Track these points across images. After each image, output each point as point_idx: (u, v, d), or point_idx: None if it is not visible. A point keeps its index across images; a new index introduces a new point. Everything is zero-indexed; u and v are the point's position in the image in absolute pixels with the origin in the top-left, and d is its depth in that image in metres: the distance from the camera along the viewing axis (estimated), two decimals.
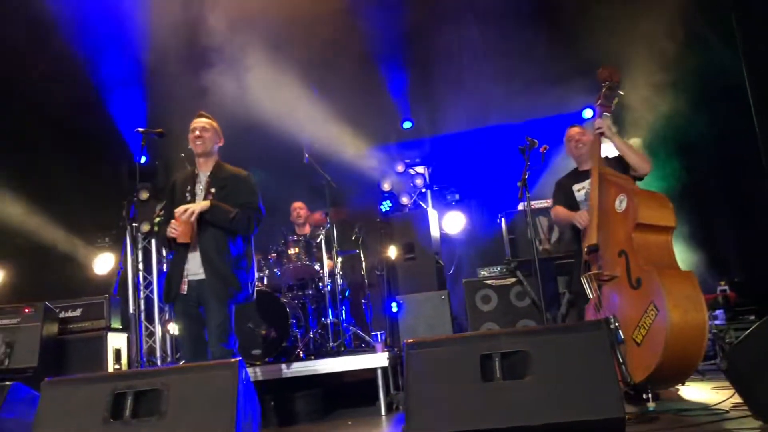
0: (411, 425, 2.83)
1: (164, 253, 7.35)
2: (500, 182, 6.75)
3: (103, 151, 7.41)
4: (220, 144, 4.16)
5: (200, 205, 3.84)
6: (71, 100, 6.86)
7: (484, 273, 6.01)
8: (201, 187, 4.02)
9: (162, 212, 4.10)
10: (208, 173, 4.07)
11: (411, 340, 3.04)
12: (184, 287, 3.91)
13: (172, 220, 3.81)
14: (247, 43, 6.34)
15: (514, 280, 5.80)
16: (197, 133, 4.03)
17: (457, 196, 7.07)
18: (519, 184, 4.29)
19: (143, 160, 7.24)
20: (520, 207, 5.82)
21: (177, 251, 3.97)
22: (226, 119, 5.92)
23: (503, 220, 5.88)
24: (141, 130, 3.95)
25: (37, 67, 6.58)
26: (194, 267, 3.93)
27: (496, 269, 5.99)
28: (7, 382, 3.18)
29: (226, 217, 3.88)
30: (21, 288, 7.25)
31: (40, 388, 3.10)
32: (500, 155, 6.82)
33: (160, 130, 4.00)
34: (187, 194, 4.00)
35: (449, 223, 7.05)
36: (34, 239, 7.24)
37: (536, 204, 5.60)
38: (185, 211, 3.78)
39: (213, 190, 3.99)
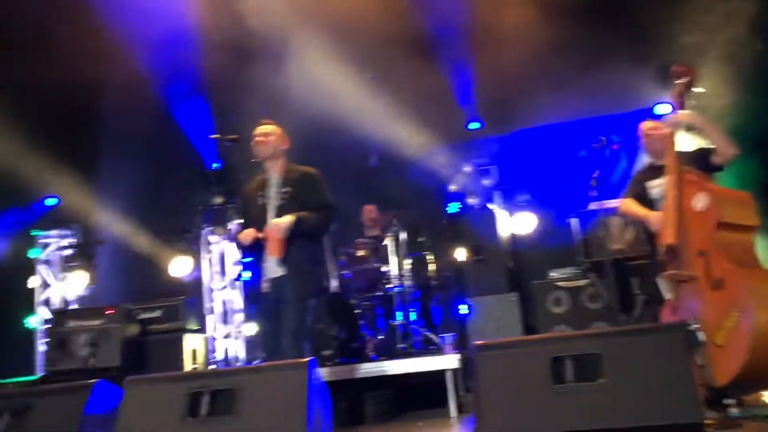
0: (481, 427, 2.81)
1: (239, 255, 7.56)
2: (571, 181, 6.59)
3: (178, 159, 7.68)
4: (285, 147, 4.24)
5: (288, 220, 3.91)
6: (145, 114, 7.15)
7: (555, 274, 5.90)
8: (273, 190, 4.11)
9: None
10: (278, 175, 4.16)
11: (480, 342, 3.02)
12: (266, 285, 4.00)
13: (265, 233, 3.90)
14: (309, 46, 6.42)
15: (586, 281, 5.66)
16: (259, 138, 4.13)
17: (526, 196, 6.95)
18: (591, 182, 4.18)
19: (215, 165, 7.52)
20: (593, 206, 5.68)
21: (253, 251, 4.07)
22: (292, 124, 6.08)
23: (575, 220, 5.76)
24: (215, 137, 4.06)
25: (116, 86, 6.90)
26: (273, 265, 4.01)
27: (568, 271, 5.87)
28: (93, 380, 3.31)
29: (311, 224, 3.98)
30: (105, 290, 7.58)
31: (122, 386, 3.25)
32: (571, 153, 6.68)
33: (234, 136, 4.12)
34: (259, 198, 4.10)
35: (519, 223, 6.93)
36: (117, 244, 7.58)
37: (609, 203, 5.45)
38: (276, 227, 3.85)
39: (285, 190, 4.08)
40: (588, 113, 6.88)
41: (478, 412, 2.87)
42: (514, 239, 7.05)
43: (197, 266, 7.12)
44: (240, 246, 4.17)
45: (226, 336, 7.44)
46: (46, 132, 6.57)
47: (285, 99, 6.46)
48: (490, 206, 7.13)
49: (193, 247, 7.27)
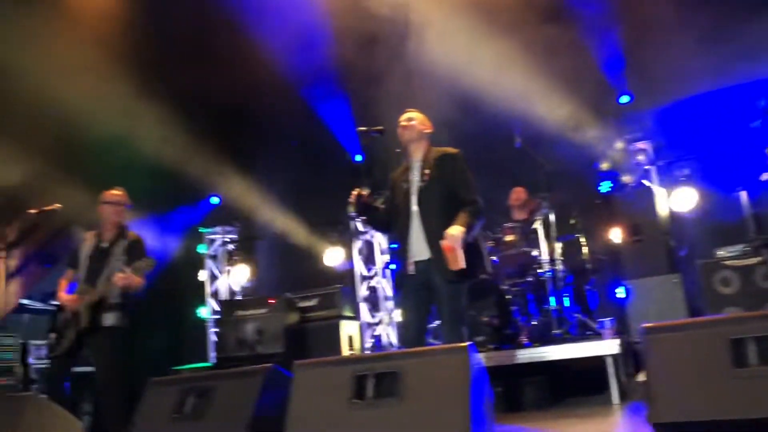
0: (655, 413, 2.68)
1: (386, 245, 7.73)
2: (737, 151, 6.09)
3: (326, 154, 7.97)
4: (428, 131, 4.24)
5: (461, 231, 3.82)
6: (293, 113, 7.49)
7: (722, 253, 5.48)
8: (416, 173, 4.12)
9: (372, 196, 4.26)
10: (420, 158, 4.17)
11: (650, 325, 2.88)
12: (411, 268, 3.99)
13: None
14: (446, 26, 6.38)
15: (759, 259, 5.21)
16: (403, 123, 4.17)
17: (686, 171, 6.50)
18: (766, 150, 3.84)
19: (359, 158, 7.73)
20: (765, 177, 5.22)
21: (398, 235, 4.10)
22: (433, 110, 6.09)
23: (744, 193, 5.32)
24: (361, 129, 4.14)
25: (266, 89, 7.28)
26: (419, 247, 3.99)
27: (737, 248, 5.44)
28: (266, 365, 3.53)
29: (474, 226, 3.94)
30: (265, 281, 8.05)
31: (290, 370, 3.43)
32: (735, 121, 6.15)
33: (380, 128, 4.17)
34: (403, 184, 4.13)
35: (679, 200, 6.49)
36: (275, 238, 8.02)
37: None
38: (452, 238, 3.83)
39: (426, 171, 4.07)
40: (749, 76, 6.29)
41: (650, 398, 2.75)
42: (674, 217, 6.64)
43: (349, 256, 7.36)
44: (355, 209, 4.13)
45: (378, 322, 7.64)
46: (208, 135, 7.06)
47: (423, 85, 6.47)
48: (646, 183, 6.76)
49: (344, 237, 7.53)
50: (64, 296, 4.89)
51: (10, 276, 7.08)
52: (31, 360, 6.75)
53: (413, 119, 4.20)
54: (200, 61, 6.42)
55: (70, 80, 5.49)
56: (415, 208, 4.03)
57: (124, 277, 4.57)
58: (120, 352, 4.88)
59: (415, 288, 3.99)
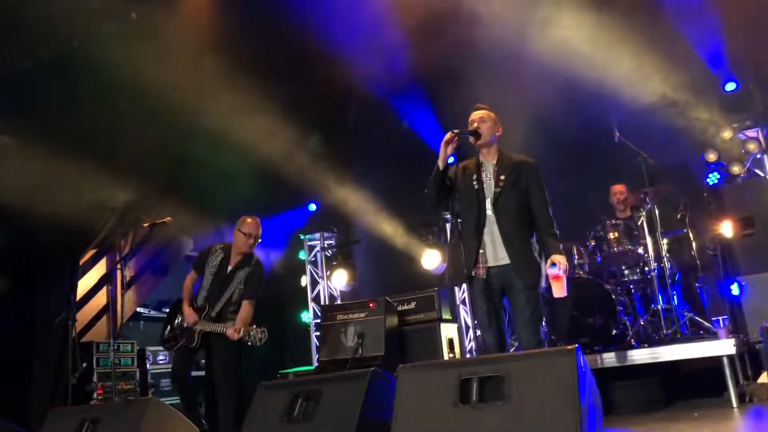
0: None
1: None
2: None
3: (417, 157, 8.01)
4: (499, 134, 4.18)
5: (565, 260, 3.90)
6: (383, 120, 7.60)
7: None
8: (488, 175, 4.09)
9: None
10: (494, 162, 4.12)
11: None
12: (481, 272, 3.96)
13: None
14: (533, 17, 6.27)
15: None
16: (475, 125, 4.12)
17: None
18: None
19: (451, 160, 7.69)
20: None
21: (466, 235, 4.03)
22: (526, 108, 6.00)
23: None
24: (456, 131, 4.12)
25: (358, 99, 7.44)
26: (494, 252, 3.97)
27: None
28: (371, 368, 3.59)
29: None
30: (363, 285, 8.17)
31: (393, 373, 3.48)
32: None
33: (474, 129, 4.13)
34: (475, 182, 4.08)
35: None
36: (372, 242, 8.14)
37: None
38: (563, 267, 3.84)
39: (502, 177, 4.04)
40: None
41: None
42: None
43: (446, 258, 7.35)
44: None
45: (477, 325, 7.57)
46: (307, 143, 7.27)
47: (515, 81, 6.37)
48: (758, 173, 6.39)
49: (440, 240, 7.52)
50: (187, 309, 5.25)
51: (127, 286, 7.54)
52: (148, 365, 7.18)
53: (485, 121, 4.14)
54: (301, 74, 6.63)
55: (177, 94, 5.78)
56: (490, 213, 4.01)
57: (234, 334, 4.97)
58: (233, 357, 5.14)
59: (490, 293, 3.97)
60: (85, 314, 7.27)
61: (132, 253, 7.78)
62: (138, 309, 8.12)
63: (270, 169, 6.96)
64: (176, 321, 5.35)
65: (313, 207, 8.33)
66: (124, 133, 6.29)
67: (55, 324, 6.16)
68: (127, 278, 7.66)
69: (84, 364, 6.47)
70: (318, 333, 7.59)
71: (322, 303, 8.06)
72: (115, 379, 6.41)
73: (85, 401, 6.28)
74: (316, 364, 7.56)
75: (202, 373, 8.00)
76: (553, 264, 3.85)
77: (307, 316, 8.23)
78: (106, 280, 7.60)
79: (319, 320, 7.38)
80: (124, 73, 5.48)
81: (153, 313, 8.47)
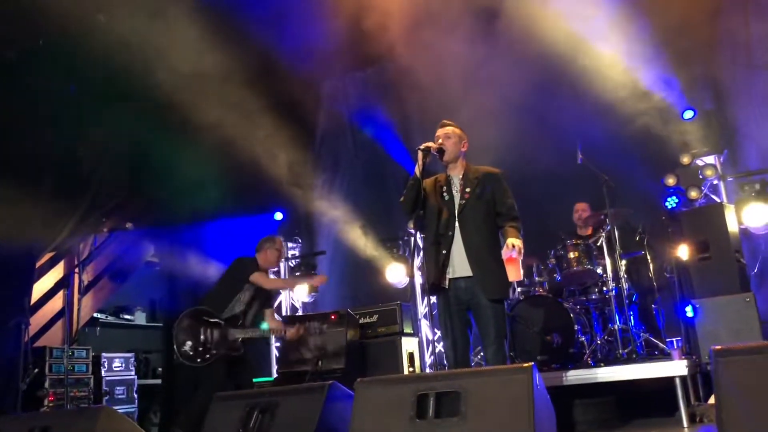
0: None
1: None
2: None
3: (384, 171, 8.05)
4: (464, 149, 4.25)
5: (521, 243, 3.93)
6: (350, 132, 7.62)
7: None
8: (455, 189, 4.16)
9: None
10: (461, 175, 4.19)
11: (719, 347, 2.79)
12: (446, 282, 4.01)
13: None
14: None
15: None
16: (440, 141, 4.18)
17: (757, 186, 6.26)
18: None
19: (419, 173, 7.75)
20: None
21: (434, 247, 4.07)
22: (496, 123, 6.07)
23: None
24: (423, 147, 4.17)
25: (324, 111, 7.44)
26: (460, 264, 4.01)
27: None
28: (329, 381, 3.57)
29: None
30: (327, 296, 8.13)
31: (350, 387, 3.47)
32: None
33: (440, 145, 4.18)
34: (445, 194, 4.16)
35: (750, 216, 6.26)
36: (336, 254, 8.12)
37: None
38: (518, 251, 3.88)
39: (468, 189, 4.11)
40: None
41: (720, 425, 2.66)
42: (746, 234, 6.41)
43: (410, 272, 7.37)
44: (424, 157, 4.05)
45: (438, 339, 7.60)
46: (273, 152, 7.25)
47: (478, 103, 6.46)
48: (714, 199, 6.56)
49: (405, 253, 7.55)
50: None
51: (84, 290, 7.39)
52: (103, 372, 7.02)
53: (450, 137, 4.20)
54: (269, 82, 6.61)
55: (140, 98, 5.72)
56: (456, 225, 4.06)
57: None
58: None
59: (457, 307, 4.02)
60: (39, 318, 7.09)
61: (90, 257, 7.63)
62: (95, 314, 7.96)
63: (234, 176, 6.91)
64: (203, 333, 5.25)
65: (279, 216, 8.26)
66: (85, 135, 6.20)
67: (7, 327, 6.00)
68: (85, 283, 7.51)
69: (36, 370, 6.31)
70: (278, 344, 7.53)
71: (284, 314, 8.00)
72: (68, 385, 6.26)
73: (35, 408, 6.12)
74: (275, 375, 7.50)
75: (158, 381, 7.92)
76: (509, 247, 3.89)
77: (266, 326, 8.14)
78: (62, 284, 7.44)
79: None
80: (88, 73, 5.40)
81: (110, 319, 8.32)
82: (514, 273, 3.86)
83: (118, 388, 7.14)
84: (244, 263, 5.46)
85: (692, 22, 6.09)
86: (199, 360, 5.18)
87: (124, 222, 5.98)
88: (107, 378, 7.07)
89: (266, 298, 5.50)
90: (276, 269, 5.65)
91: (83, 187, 6.48)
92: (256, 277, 5.32)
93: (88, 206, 6.66)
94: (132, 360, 7.40)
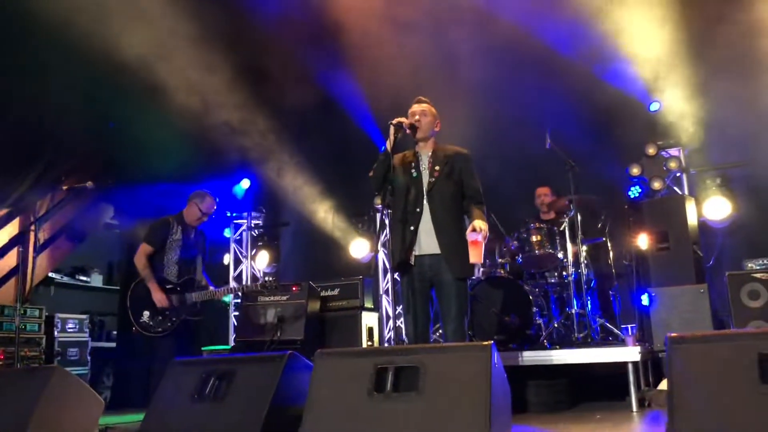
0: (676, 425, 2.65)
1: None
2: None
3: (354, 146, 7.98)
4: (438, 129, 4.26)
5: (486, 226, 3.94)
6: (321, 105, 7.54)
7: (751, 265, 5.43)
8: (424, 166, 4.17)
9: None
10: (429, 154, 4.20)
11: (675, 335, 2.85)
12: (412, 259, 4.02)
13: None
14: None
15: None
16: (416, 117, 4.17)
17: (718, 180, 6.40)
18: None
19: (383, 149, 7.71)
20: None
21: (401, 224, 4.08)
22: (466, 104, 6.07)
23: None
24: (395, 122, 4.13)
25: (291, 79, 7.32)
26: (427, 241, 4.04)
27: (767, 261, 5.37)
28: (288, 351, 3.55)
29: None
30: (290, 268, 8.09)
31: (310, 358, 3.46)
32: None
33: (414, 121, 4.15)
34: (413, 171, 4.16)
35: (709, 210, 6.41)
36: (302, 225, 8.06)
37: None
38: (483, 233, 3.88)
39: (437, 168, 4.12)
40: None
41: (670, 409, 2.72)
42: (703, 226, 6.56)
43: (374, 247, 7.37)
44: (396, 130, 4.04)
45: (399, 315, 7.64)
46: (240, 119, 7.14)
47: (449, 82, 6.43)
48: (676, 191, 6.68)
49: (370, 229, 7.54)
50: (159, 294, 5.24)
51: (40, 249, 7.21)
52: (56, 333, 6.89)
53: (426, 115, 4.20)
54: (240, 47, 6.48)
55: (107, 54, 5.55)
56: (425, 202, 4.07)
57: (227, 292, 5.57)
58: None
59: (420, 283, 4.04)
60: None
61: (48, 215, 7.44)
62: (50, 274, 7.78)
63: (200, 141, 6.79)
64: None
65: (246, 183, 8.13)
66: (47, 90, 6.00)
67: None
68: (41, 241, 7.32)
69: None
70: (237, 313, 7.48)
71: (244, 283, 7.94)
72: (19, 344, 6.11)
73: None
74: (232, 343, 7.46)
75: (113, 344, 7.81)
76: (474, 230, 3.91)
77: (227, 296, 8.08)
78: (17, 240, 7.23)
79: (239, 300, 7.26)
80: (51, 26, 5.21)
81: (66, 279, 8.15)
82: (476, 255, 3.89)
83: (71, 349, 7.01)
84: (148, 226, 5.40)
85: (660, 15, 6.17)
86: (160, 330, 5.10)
87: (85, 181, 5.80)
88: (60, 339, 6.93)
89: (193, 257, 5.40)
90: (195, 225, 5.45)
91: (43, 143, 6.28)
92: (139, 248, 5.23)
93: (48, 163, 6.47)
94: (86, 322, 7.26)
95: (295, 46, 7.02)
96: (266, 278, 5.47)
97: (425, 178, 4.12)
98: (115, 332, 8.02)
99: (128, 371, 7.30)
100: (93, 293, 8.48)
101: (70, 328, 7.07)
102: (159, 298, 5.13)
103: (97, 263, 8.65)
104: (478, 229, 3.88)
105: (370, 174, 4.16)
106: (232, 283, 6.77)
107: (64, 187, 5.95)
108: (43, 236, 7.39)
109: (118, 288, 8.28)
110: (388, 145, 4.03)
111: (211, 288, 5.39)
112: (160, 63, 5.89)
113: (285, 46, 6.93)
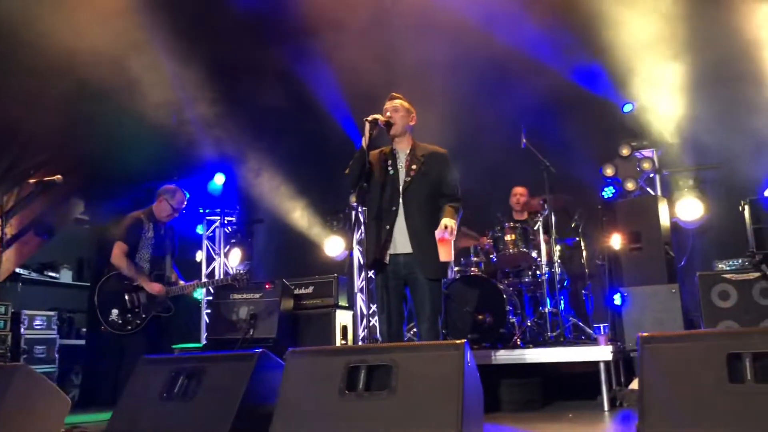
0: (646, 423, 2.66)
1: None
2: (745, 165, 6.06)
3: (330, 144, 7.94)
4: (413, 123, 4.22)
5: (455, 224, 3.92)
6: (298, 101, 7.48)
7: (722, 266, 5.48)
8: (401, 164, 4.13)
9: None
10: (407, 151, 4.16)
11: (646, 334, 2.86)
12: (386, 258, 3.99)
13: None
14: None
15: (758, 274, 5.20)
16: (388, 114, 4.13)
17: (690, 182, 6.48)
18: None
19: (365, 146, 7.66)
20: None
21: (375, 222, 4.05)
22: (442, 100, 6.06)
23: (746, 207, 5.29)
24: (370, 119, 4.10)
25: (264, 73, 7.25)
26: (401, 240, 4.00)
27: (737, 262, 5.44)
28: (259, 350, 3.50)
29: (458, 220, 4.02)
30: (264, 265, 8.02)
31: (281, 358, 3.41)
32: (748, 133, 6.09)
33: (388, 118, 4.12)
34: (390, 169, 4.12)
35: (682, 210, 6.48)
36: (276, 223, 7.99)
37: None
38: (451, 231, 3.86)
39: (414, 166, 4.09)
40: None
41: (642, 407, 2.73)
42: (676, 227, 6.63)
43: (349, 246, 7.34)
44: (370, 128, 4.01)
45: (373, 313, 7.61)
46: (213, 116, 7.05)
47: (432, 76, 6.42)
48: (649, 191, 6.74)
49: (345, 227, 7.50)
50: (150, 283, 5.17)
51: (6, 244, 7.05)
52: (22, 330, 6.74)
53: (398, 110, 4.16)
54: (213, 42, 6.40)
55: (76, 48, 5.44)
56: (400, 201, 4.04)
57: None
58: None
59: (394, 282, 4.01)
60: None
61: (15, 210, 7.27)
62: (17, 270, 7.62)
63: (173, 137, 6.70)
64: (128, 299, 5.06)
65: (220, 179, 8.04)
66: (18, 84, 5.87)
67: None
68: (8, 236, 7.16)
69: None
70: (209, 310, 7.39)
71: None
72: None
73: None
74: (204, 342, 7.38)
75: (82, 342, 7.67)
76: (444, 228, 3.89)
77: (199, 293, 7.99)
78: None
79: (211, 297, 7.18)
80: (18, 22, 5.10)
81: (34, 275, 7.99)
82: (445, 253, 3.87)
83: (38, 347, 6.87)
84: (119, 223, 5.29)
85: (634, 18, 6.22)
86: (129, 327, 5.01)
87: (54, 175, 5.68)
88: (27, 336, 6.79)
89: (164, 255, 5.31)
90: (165, 221, 5.34)
91: (10, 137, 6.14)
92: (114, 248, 5.12)
93: (15, 157, 6.33)
94: (54, 319, 7.13)
95: (270, 43, 6.96)
96: (238, 272, 5.40)
97: (401, 177, 4.09)
98: (84, 329, 7.88)
99: (97, 369, 7.18)
100: (62, 290, 8.33)
101: (37, 325, 6.93)
102: (156, 289, 5.08)
103: (67, 259, 8.49)
104: (444, 227, 3.86)
105: (346, 171, 4.12)
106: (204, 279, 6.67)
107: (32, 181, 5.80)
108: (10, 231, 7.23)
109: (88, 284, 8.14)
110: (364, 142, 4.00)
111: (182, 282, 5.30)
112: (130, 57, 5.79)
113: (260, 42, 6.87)
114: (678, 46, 6.29)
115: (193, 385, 3.46)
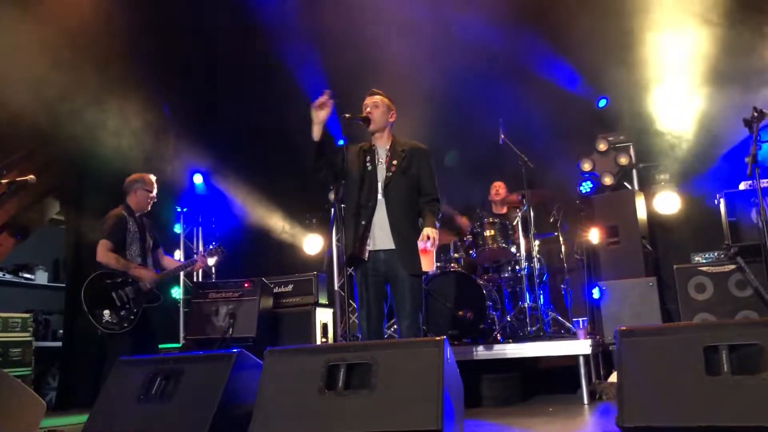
0: (625, 416, 2.68)
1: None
2: (719, 159, 6.14)
3: (310, 137, 7.88)
4: (392, 119, 4.19)
5: (437, 234, 3.91)
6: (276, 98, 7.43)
7: (698, 259, 5.54)
8: (380, 160, 4.09)
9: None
10: (387, 147, 4.13)
11: (624, 328, 2.88)
12: (366, 255, 3.96)
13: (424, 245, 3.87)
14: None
15: (733, 267, 5.26)
16: (368, 109, 4.11)
17: (666, 176, 6.53)
18: (747, 159, 3.85)
19: (341, 143, 7.66)
20: (743, 186, 5.25)
21: (354, 218, 4.02)
22: (422, 98, 6.05)
23: (722, 200, 5.35)
24: (347, 116, 4.07)
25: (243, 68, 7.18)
26: (381, 236, 3.97)
27: (713, 255, 5.50)
28: (236, 349, 3.47)
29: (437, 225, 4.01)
30: (242, 264, 7.94)
31: (260, 357, 3.38)
32: (719, 128, 6.16)
33: (366, 115, 4.09)
34: (368, 164, 4.08)
35: (658, 204, 6.55)
36: (255, 221, 7.93)
37: (765, 183, 5.00)
38: (433, 241, 3.84)
39: (394, 162, 4.06)
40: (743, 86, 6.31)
41: (620, 400, 2.74)
42: (653, 221, 6.69)
43: (328, 243, 7.30)
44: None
45: (353, 311, 7.60)
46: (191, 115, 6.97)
47: (413, 70, 6.41)
48: (626, 185, 6.79)
49: (324, 224, 7.46)
50: (143, 271, 5.12)
51: None
52: None
53: (378, 106, 4.13)
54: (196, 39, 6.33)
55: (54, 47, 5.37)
56: (380, 197, 4.01)
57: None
58: None
59: (374, 278, 3.98)
60: None
61: None
62: None
63: (150, 135, 6.62)
64: (117, 296, 4.96)
65: (198, 179, 7.95)
66: None
67: None
68: None
69: None
70: (187, 310, 7.32)
71: (195, 279, 7.78)
72: None
73: None
74: (182, 342, 7.30)
75: (59, 344, 7.56)
76: (426, 238, 3.87)
77: (177, 292, 7.92)
78: None
79: (189, 296, 7.10)
80: None
81: (8, 277, 7.85)
82: (428, 263, 3.87)
83: (13, 349, 6.74)
84: (101, 223, 5.17)
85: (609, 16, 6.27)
86: (126, 325, 4.94)
87: (27, 175, 5.57)
88: (1, 339, 6.67)
89: (148, 248, 5.26)
90: (146, 210, 5.29)
91: None
92: (99, 246, 5.02)
93: None
94: (30, 321, 7.00)
95: (247, 43, 6.90)
96: (213, 246, 5.53)
97: (381, 173, 4.06)
98: (61, 331, 7.75)
99: (75, 371, 7.07)
100: (37, 291, 8.19)
101: (12, 327, 6.80)
102: (149, 277, 5.03)
103: (42, 260, 8.36)
104: (426, 238, 3.85)
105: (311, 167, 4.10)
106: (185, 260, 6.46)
107: (5, 181, 5.69)
108: None
109: (64, 286, 8.01)
110: (314, 131, 3.95)
111: (172, 260, 5.48)
112: (106, 56, 5.71)
113: (237, 43, 6.81)
114: (652, 42, 6.35)
115: (170, 386, 3.41)
